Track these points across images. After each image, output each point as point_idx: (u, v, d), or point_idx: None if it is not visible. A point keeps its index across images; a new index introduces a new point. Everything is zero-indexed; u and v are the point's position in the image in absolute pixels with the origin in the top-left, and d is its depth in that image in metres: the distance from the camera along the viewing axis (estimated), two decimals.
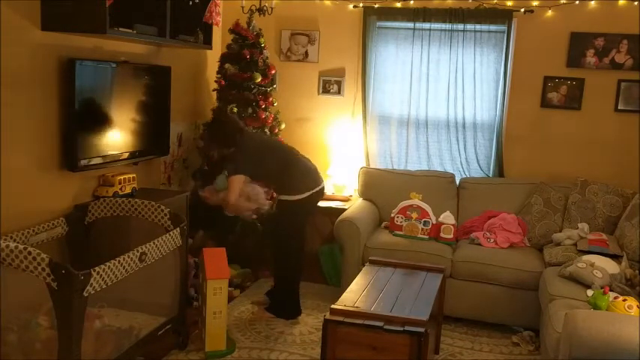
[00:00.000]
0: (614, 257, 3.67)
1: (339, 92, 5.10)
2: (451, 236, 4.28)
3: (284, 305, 4.05)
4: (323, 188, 4.07)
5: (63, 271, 2.41)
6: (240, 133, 3.88)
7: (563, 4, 4.51)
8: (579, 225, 4.09)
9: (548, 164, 4.70)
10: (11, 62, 3.00)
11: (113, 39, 3.56)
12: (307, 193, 3.93)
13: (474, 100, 4.76)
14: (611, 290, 3.25)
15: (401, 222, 4.35)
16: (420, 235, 4.29)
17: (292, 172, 3.95)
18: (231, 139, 3.84)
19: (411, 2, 4.77)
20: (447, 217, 4.34)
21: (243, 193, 3.82)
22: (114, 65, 3.63)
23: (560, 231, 4.21)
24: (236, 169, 3.79)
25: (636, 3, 4.37)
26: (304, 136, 5.17)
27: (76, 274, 2.43)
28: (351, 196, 5.04)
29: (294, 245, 4.00)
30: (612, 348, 2.39)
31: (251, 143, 3.93)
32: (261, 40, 4.63)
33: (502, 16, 4.59)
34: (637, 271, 3.55)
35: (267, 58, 4.67)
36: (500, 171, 4.79)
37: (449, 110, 4.80)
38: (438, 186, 4.65)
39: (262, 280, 4.68)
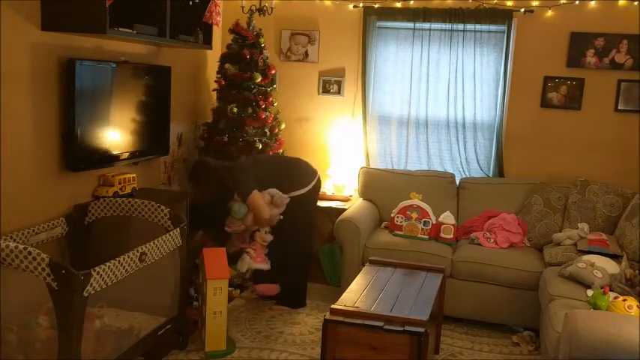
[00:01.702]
0: (614, 257, 3.68)
1: (339, 92, 5.10)
2: (451, 236, 4.28)
3: (294, 294, 4.20)
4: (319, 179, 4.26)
5: (63, 271, 2.42)
6: (226, 170, 3.94)
7: (563, 4, 4.51)
8: (579, 225, 4.09)
9: (548, 164, 4.70)
10: (11, 62, 3.00)
11: (113, 39, 3.56)
12: (312, 183, 4.13)
13: (474, 100, 4.76)
14: (611, 290, 3.25)
15: (401, 222, 4.35)
16: (420, 235, 4.29)
17: (292, 168, 4.17)
18: (221, 182, 3.92)
19: (411, 2, 4.77)
20: (447, 217, 4.34)
21: (268, 203, 3.89)
22: (114, 65, 3.63)
23: (560, 231, 4.21)
24: (247, 189, 3.84)
25: (636, 3, 4.37)
26: (304, 136, 5.17)
27: (76, 274, 2.43)
28: (351, 196, 5.04)
29: (310, 236, 4.25)
30: (612, 348, 2.39)
31: (241, 165, 4.05)
32: (261, 40, 4.63)
33: (502, 16, 4.59)
34: (637, 271, 3.56)
35: (267, 58, 4.67)
36: (500, 171, 4.79)
37: (449, 110, 4.80)
38: (438, 186, 4.65)
39: None
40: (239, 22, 4.60)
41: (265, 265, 3.96)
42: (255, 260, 3.93)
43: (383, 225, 4.58)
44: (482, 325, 4.05)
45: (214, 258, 3.47)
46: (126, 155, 3.80)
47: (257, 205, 3.83)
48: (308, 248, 4.27)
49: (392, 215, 4.40)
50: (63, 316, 2.47)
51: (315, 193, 4.23)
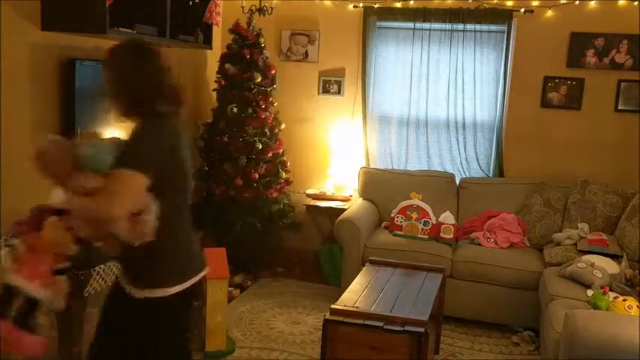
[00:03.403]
0: (614, 257, 3.68)
1: (339, 92, 5.10)
2: (451, 236, 4.28)
3: None
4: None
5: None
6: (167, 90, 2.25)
7: (563, 4, 4.51)
8: (579, 225, 4.09)
9: (548, 164, 4.70)
10: (11, 62, 3.00)
11: (113, 39, 3.55)
12: (194, 279, 2.24)
13: (474, 100, 4.75)
14: (611, 290, 3.25)
15: (401, 222, 4.34)
16: (420, 235, 4.29)
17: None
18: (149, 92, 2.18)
19: (411, 2, 4.77)
20: (447, 217, 4.34)
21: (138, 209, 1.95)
22: None
23: (560, 231, 4.21)
24: (139, 161, 1.98)
25: (636, 3, 4.37)
26: (304, 136, 5.17)
27: (76, 274, 2.43)
28: (351, 196, 5.03)
29: None
30: (612, 348, 2.40)
31: (167, 122, 2.18)
32: (261, 40, 4.63)
33: (502, 16, 4.59)
34: (637, 271, 3.56)
35: (267, 58, 4.67)
36: (500, 171, 4.79)
37: (449, 110, 4.79)
38: (438, 186, 4.65)
39: (262, 280, 4.67)
40: (239, 22, 4.60)
41: None
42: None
43: (383, 225, 4.58)
44: (482, 325, 4.05)
45: (214, 258, 3.47)
46: None
47: (125, 187, 1.95)
48: None
49: (392, 215, 4.40)
50: (63, 316, 2.47)
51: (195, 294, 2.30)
